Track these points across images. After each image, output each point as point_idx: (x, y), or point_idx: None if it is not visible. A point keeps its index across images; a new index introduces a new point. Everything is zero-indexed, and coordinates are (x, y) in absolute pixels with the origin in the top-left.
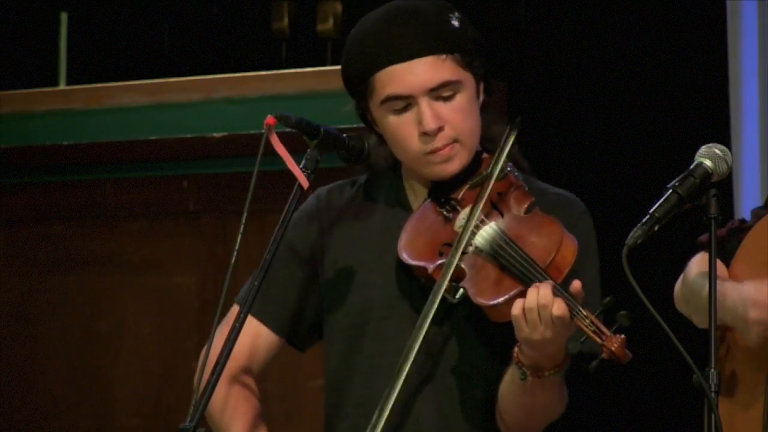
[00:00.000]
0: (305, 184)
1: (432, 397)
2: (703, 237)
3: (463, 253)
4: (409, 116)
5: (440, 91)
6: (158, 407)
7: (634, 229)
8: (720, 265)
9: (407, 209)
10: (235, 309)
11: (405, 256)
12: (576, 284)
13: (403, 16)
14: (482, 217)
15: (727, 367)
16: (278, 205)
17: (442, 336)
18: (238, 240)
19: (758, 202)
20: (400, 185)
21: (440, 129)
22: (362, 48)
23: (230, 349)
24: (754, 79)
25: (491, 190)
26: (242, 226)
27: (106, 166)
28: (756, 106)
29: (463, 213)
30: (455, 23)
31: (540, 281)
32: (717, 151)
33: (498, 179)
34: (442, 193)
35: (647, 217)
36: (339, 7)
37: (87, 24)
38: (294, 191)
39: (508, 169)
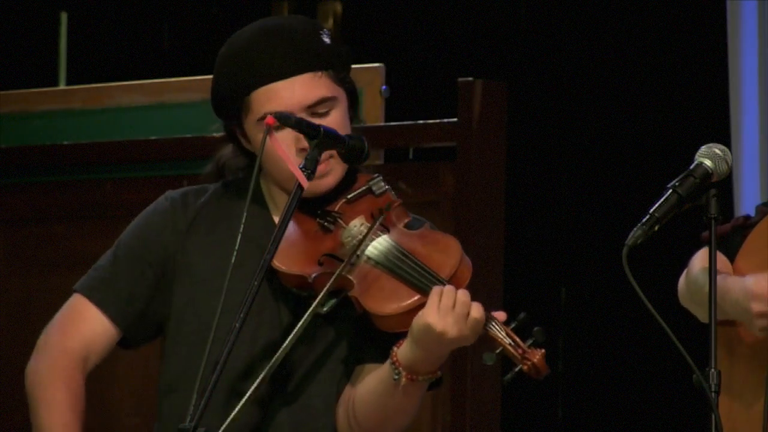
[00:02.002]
0: (305, 184)
1: (283, 402)
2: (706, 233)
3: (350, 264)
4: (285, 133)
5: (317, 108)
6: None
7: (634, 229)
8: (724, 262)
9: (268, 220)
10: (78, 300)
11: (279, 264)
12: (500, 315)
13: (277, 35)
14: (372, 235)
15: (728, 366)
16: None
17: (304, 343)
18: (238, 240)
19: (758, 202)
20: (260, 196)
21: None
22: (237, 66)
23: (227, 356)
24: (754, 79)
25: (371, 205)
26: (242, 226)
27: (106, 166)
28: (756, 106)
29: (353, 225)
30: (326, 40)
31: None
32: (717, 151)
33: (377, 195)
34: (315, 206)
35: (647, 217)
36: (339, 7)
37: (87, 24)
38: (294, 191)
39: (386, 187)
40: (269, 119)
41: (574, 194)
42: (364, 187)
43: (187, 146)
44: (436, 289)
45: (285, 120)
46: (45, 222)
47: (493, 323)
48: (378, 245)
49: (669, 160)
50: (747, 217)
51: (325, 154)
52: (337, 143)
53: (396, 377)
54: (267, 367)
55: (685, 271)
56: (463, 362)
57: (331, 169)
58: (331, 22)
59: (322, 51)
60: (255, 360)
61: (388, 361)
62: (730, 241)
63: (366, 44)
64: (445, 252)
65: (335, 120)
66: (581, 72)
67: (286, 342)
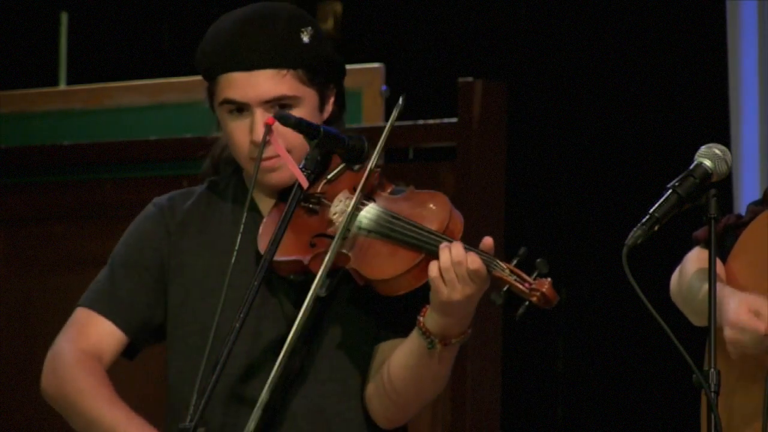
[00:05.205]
0: (305, 184)
1: (306, 391)
2: (699, 232)
3: (342, 239)
4: (244, 122)
5: (276, 105)
6: (158, 407)
7: (634, 229)
8: (717, 263)
9: (256, 211)
10: (81, 312)
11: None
12: (487, 240)
13: (254, 25)
14: (359, 205)
15: (726, 366)
16: None
17: (309, 330)
18: (238, 240)
19: None
20: (244, 188)
21: (269, 141)
22: (211, 48)
23: (228, 353)
24: (754, 79)
25: (352, 181)
26: (242, 226)
27: (106, 166)
28: (756, 106)
29: (337, 200)
30: (305, 39)
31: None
32: (717, 151)
33: (356, 170)
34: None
35: (647, 217)
36: (339, 7)
37: (87, 24)
38: (294, 191)
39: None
40: (269, 119)
41: (574, 194)
42: (342, 165)
43: (187, 146)
44: (433, 265)
45: (285, 120)
46: (45, 222)
47: (495, 263)
48: (367, 214)
49: (669, 160)
50: (739, 216)
51: (276, 150)
52: (337, 143)
53: (430, 346)
54: (278, 360)
55: (678, 269)
56: (462, 362)
57: (283, 165)
58: (331, 22)
59: (293, 49)
60: (260, 356)
61: (416, 332)
62: (723, 241)
63: (366, 44)
64: (434, 208)
65: None
66: (581, 72)
67: (292, 331)
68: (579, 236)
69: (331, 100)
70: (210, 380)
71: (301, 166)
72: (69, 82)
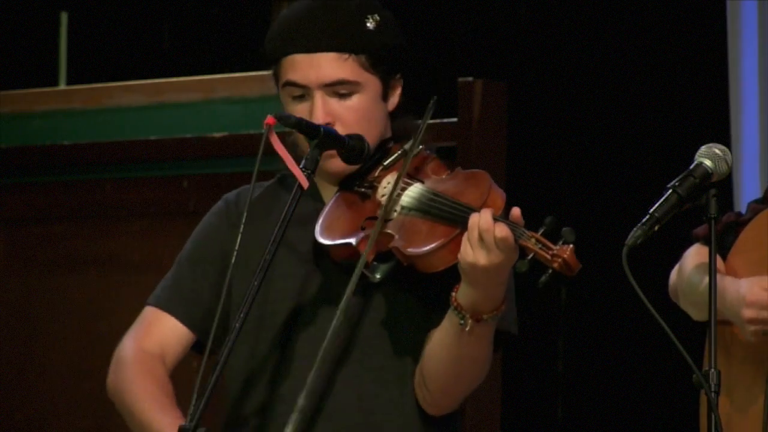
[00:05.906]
0: (305, 184)
1: (357, 378)
2: (699, 229)
3: (388, 220)
4: (304, 106)
5: (336, 88)
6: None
7: (634, 229)
8: (717, 260)
9: (319, 201)
10: (147, 310)
11: (324, 239)
12: (515, 210)
13: (320, 10)
14: (404, 185)
15: (726, 366)
16: None
17: (361, 317)
18: (238, 240)
19: None
20: (312, 182)
21: (329, 125)
22: (277, 31)
23: (227, 356)
24: (754, 79)
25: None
26: (242, 226)
27: (106, 166)
28: (756, 106)
29: (385, 182)
30: (370, 25)
31: None
32: (717, 151)
33: (414, 155)
34: (354, 180)
35: (647, 217)
36: None
37: (87, 24)
38: (294, 191)
39: (420, 146)
40: (269, 119)
41: (574, 194)
42: (398, 152)
43: (187, 146)
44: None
45: (285, 120)
46: (45, 222)
47: (522, 231)
48: (410, 193)
49: (669, 160)
50: (738, 214)
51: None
52: (337, 143)
53: (462, 322)
54: (323, 346)
55: (677, 266)
56: None
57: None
58: None
59: (357, 34)
60: (317, 343)
61: (450, 309)
62: (723, 238)
63: None
64: (474, 184)
65: (355, 105)
66: (581, 72)
67: (339, 310)
68: (579, 236)
69: (398, 91)
70: (216, 379)
71: (301, 166)
72: (69, 82)
